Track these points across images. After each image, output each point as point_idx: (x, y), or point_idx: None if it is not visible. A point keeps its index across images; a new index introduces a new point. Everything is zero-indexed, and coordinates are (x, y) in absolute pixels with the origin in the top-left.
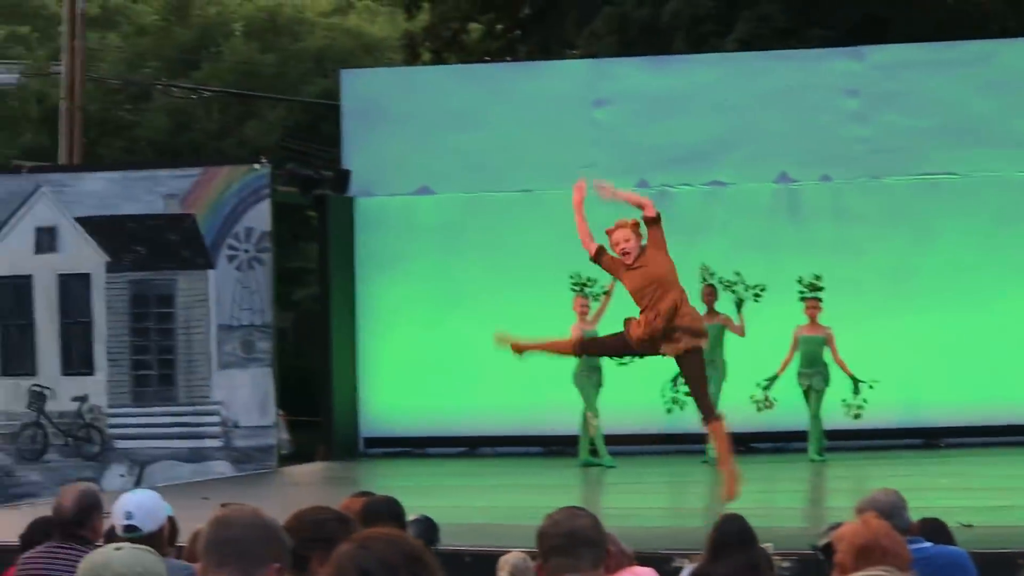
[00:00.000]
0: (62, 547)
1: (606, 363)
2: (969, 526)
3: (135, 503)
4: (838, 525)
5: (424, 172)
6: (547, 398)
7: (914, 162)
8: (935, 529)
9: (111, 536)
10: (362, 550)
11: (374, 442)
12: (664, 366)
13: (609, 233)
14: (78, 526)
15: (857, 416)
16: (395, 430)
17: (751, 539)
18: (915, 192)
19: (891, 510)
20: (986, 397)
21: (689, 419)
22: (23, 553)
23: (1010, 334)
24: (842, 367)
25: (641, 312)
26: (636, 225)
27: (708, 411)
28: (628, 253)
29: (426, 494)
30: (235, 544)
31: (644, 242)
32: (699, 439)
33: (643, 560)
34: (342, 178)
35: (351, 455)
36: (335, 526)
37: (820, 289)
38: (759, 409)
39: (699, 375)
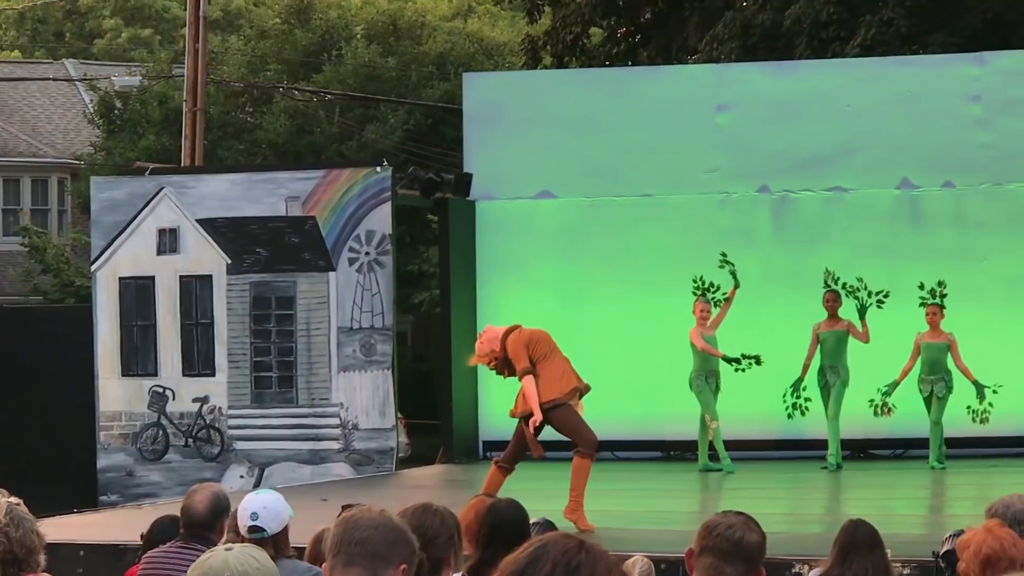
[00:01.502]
0: (188, 547)
1: (723, 367)
2: None
3: (261, 504)
4: (960, 533)
5: (545, 176)
6: (666, 403)
7: None
8: None
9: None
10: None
11: (493, 446)
12: (786, 371)
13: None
14: (207, 528)
15: (984, 421)
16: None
17: (878, 544)
18: None
19: None
20: None
21: (810, 424)
22: (146, 552)
23: None
24: (965, 373)
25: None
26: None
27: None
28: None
29: (547, 498)
30: (364, 544)
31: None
32: (820, 445)
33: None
34: (463, 181)
35: (470, 458)
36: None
37: (943, 296)
38: (877, 414)
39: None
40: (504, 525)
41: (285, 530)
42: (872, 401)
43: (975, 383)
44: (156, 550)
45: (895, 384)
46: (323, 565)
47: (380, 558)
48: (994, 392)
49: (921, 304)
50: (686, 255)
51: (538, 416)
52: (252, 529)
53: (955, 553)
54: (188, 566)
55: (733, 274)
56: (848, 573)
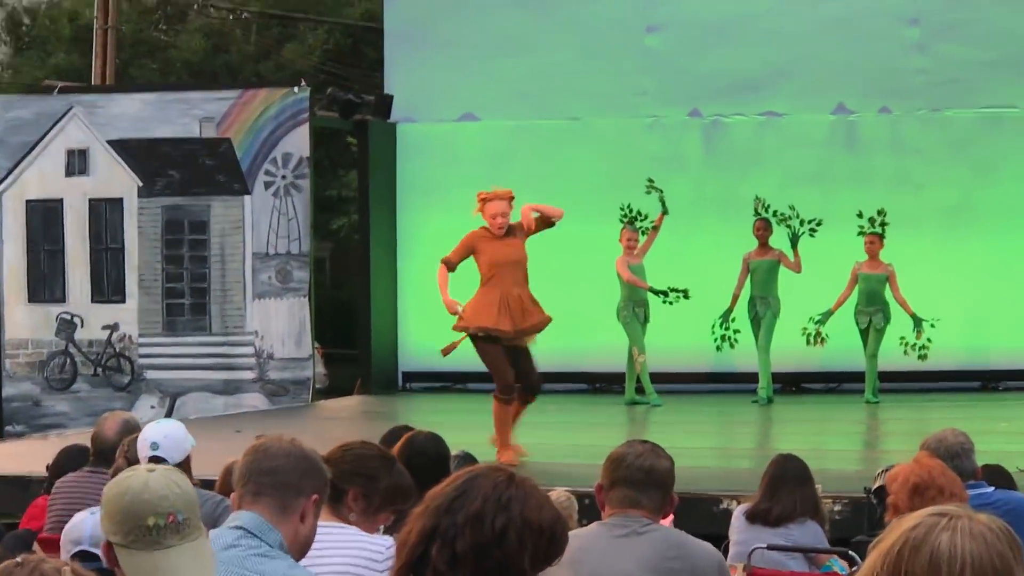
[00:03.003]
0: (99, 472)
1: (652, 299)
2: None
3: (162, 433)
4: (892, 468)
5: (469, 98)
6: (593, 334)
7: (976, 95)
8: (996, 474)
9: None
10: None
11: (413, 376)
12: (716, 301)
13: (484, 200)
14: (118, 453)
15: (923, 357)
16: (435, 364)
17: (808, 479)
18: (977, 126)
19: (958, 450)
20: None
21: (740, 356)
22: (53, 482)
23: None
24: (903, 306)
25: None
26: (512, 198)
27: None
28: (502, 227)
29: (467, 429)
30: (273, 474)
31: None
32: (750, 378)
33: (690, 501)
34: (384, 103)
35: (389, 390)
36: (377, 463)
37: (884, 225)
38: (809, 342)
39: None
40: (422, 459)
41: (187, 460)
42: (805, 330)
43: (913, 316)
44: (66, 477)
45: (829, 313)
46: (231, 496)
47: (290, 488)
48: (932, 326)
49: (860, 233)
50: (614, 181)
51: (448, 302)
52: (152, 459)
53: (886, 489)
54: (100, 492)
55: (661, 200)
56: (776, 508)
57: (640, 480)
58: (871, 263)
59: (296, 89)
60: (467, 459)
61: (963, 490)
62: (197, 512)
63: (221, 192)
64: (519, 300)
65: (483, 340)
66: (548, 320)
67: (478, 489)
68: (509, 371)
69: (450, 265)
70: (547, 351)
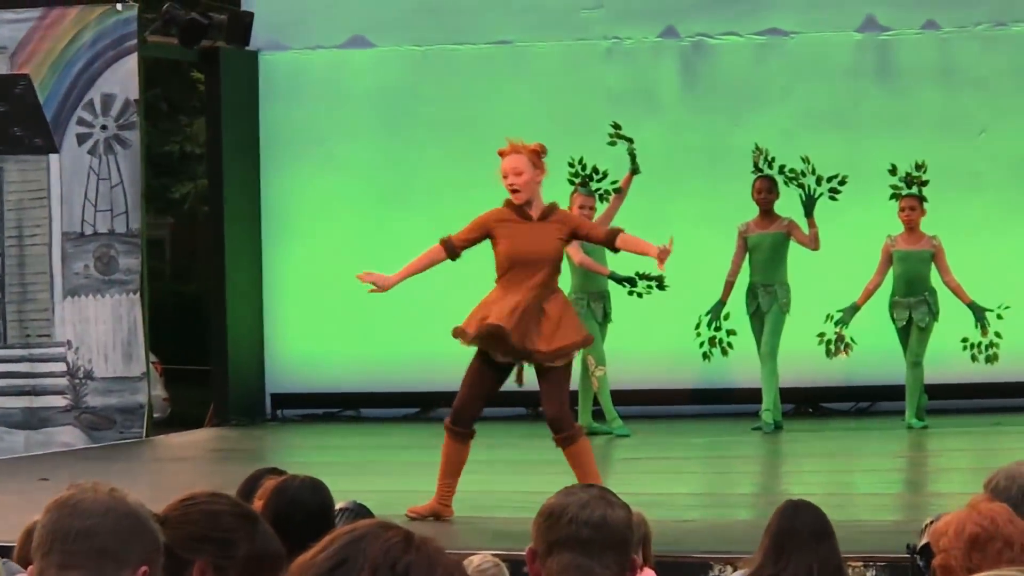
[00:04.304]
0: None
1: (614, 289)
2: None
3: None
4: (941, 517)
5: (358, 17)
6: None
7: None
8: None
9: None
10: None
11: (285, 401)
12: (701, 292)
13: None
14: None
15: (991, 359)
16: (316, 384)
17: (827, 534)
18: None
19: None
20: None
21: (734, 368)
22: None
23: None
24: (957, 292)
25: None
26: (538, 152)
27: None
28: (518, 191)
29: (359, 473)
30: (86, 538)
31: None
32: (749, 396)
33: (671, 566)
34: (240, 24)
35: (253, 419)
36: (233, 523)
37: (924, 184)
38: (830, 354)
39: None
40: (298, 515)
41: None
42: (823, 335)
43: (972, 306)
44: None
45: (855, 308)
46: (29, 568)
47: (108, 558)
48: (999, 317)
49: (893, 196)
50: (559, 128)
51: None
52: None
53: (934, 546)
54: None
55: (631, 154)
56: (787, 572)
57: (589, 539)
58: (909, 236)
59: (120, 6)
60: (358, 512)
61: None
62: None
63: (17, 150)
64: (538, 314)
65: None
66: (580, 341)
67: (364, 555)
68: (471, 393)
69: (449, 247)
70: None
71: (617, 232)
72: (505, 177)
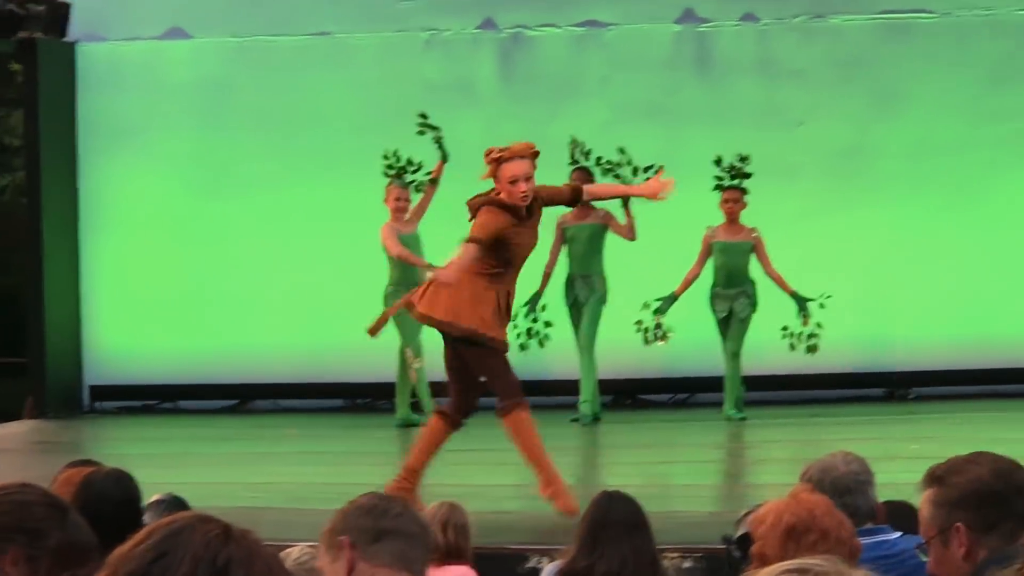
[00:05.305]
0: None
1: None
2: None
3: None
4: (760, 507)
5: (175, 8)
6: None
7: None
8: (902, 514)
9: None
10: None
11: (104, 392)
12: (520, 283)
13: (499, 159)
14: None
15: (812, 349)
16: (134, 376)
17: (641, 524)
18: (874, 38)
19: (850, 482)
20: (974, 328)
21: (551, 360)
22: None
23: (1008, 236)
24: (779, 283)
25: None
26: (536, 154)
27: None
28: (528, 198)
29: (176, 465)
30: None
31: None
32: (566, 388)
33: (487, 558)
34: (57, 15)
35: (71, 411)
36: (44, 513)
37: (747, 176)
38: (648, 341)
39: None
40: (105, 506)
41: None
42: (641, 323)
43: (794, 295)
44: None
45: (673, 298)
46: None
47: None
48: (821, 306)
49: (716, 187)
50: (376, 120)
51: (447, 275)
52: None
53: (752, 536)
54: None
55: (439, 143)
56: (599, 566)
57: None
58: (729, 228)
59: None
60: (173, 505)
61: (854, 535)
62: None
63: None
64: (508, 304)
65: (465, 344)
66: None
67: (184, 548)
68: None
69: (482, 248)
70: (288, 355)
71: (578, 188)
72: (515, 183)
